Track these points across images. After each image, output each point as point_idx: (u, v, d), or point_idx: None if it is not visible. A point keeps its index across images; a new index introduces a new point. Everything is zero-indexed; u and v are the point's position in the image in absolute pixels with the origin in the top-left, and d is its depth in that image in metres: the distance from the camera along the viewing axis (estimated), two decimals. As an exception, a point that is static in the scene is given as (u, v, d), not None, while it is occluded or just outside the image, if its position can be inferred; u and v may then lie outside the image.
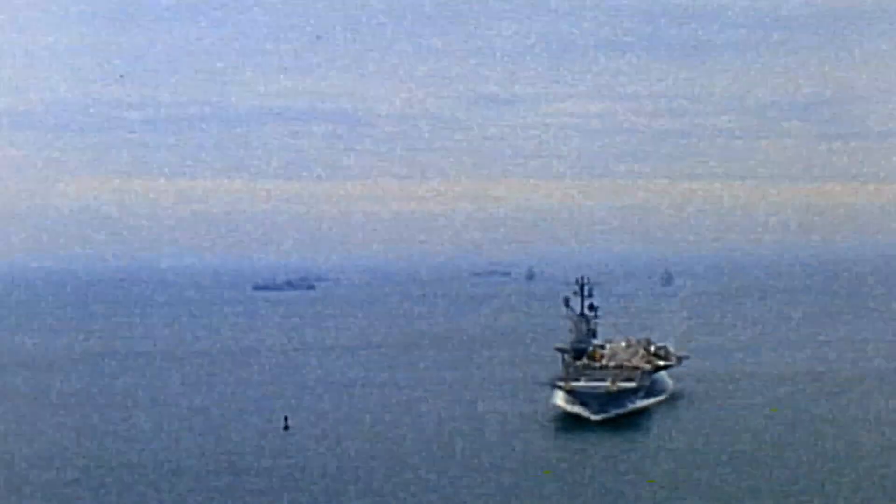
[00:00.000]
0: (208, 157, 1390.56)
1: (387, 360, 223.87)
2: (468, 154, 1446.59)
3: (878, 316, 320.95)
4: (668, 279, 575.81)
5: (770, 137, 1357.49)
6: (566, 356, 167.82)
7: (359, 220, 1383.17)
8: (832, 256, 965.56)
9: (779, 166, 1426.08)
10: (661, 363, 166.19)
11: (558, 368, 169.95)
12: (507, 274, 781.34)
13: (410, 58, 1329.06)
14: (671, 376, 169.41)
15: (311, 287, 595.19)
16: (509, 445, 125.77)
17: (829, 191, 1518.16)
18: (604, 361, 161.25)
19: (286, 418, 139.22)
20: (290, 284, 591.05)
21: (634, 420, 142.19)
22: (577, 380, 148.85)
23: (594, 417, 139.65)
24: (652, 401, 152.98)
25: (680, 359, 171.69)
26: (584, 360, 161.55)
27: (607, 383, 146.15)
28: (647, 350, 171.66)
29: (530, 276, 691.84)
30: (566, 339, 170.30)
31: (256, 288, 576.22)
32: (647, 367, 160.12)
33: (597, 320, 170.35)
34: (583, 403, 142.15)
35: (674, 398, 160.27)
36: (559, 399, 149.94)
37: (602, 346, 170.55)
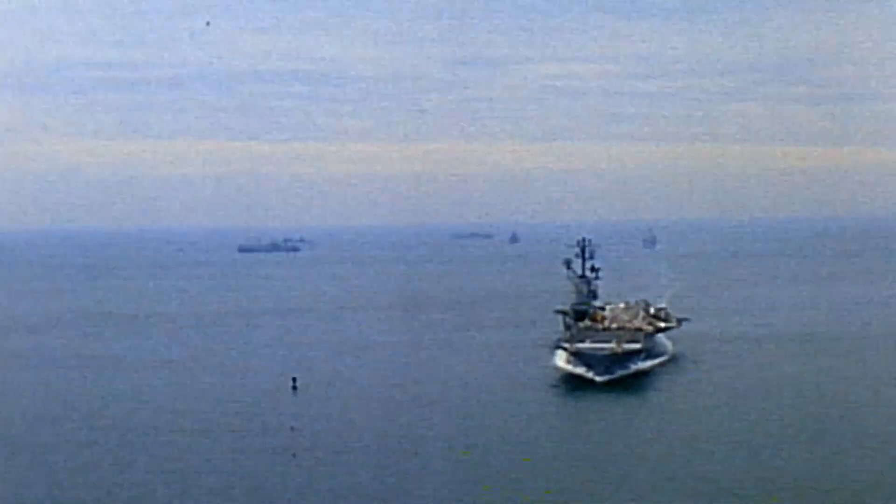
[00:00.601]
0: (187, 119, 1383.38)
1: (381, 322, 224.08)
2: (449, 116, 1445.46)
3: (864, 278, 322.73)
4: (651, 242, 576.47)
5: (756, 100, 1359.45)
6: (567, 318, 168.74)
7: (338, 181, 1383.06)
8: (820, 219, 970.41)
9: (766, 129, 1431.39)
10: (662, 325, 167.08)
11: (553, 330, 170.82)
12: (490, 237, 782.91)
13: (391, 18, 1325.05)
14: (668, 338, 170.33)
15: (295, 249, 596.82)
16: (518, 407, 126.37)
17: (816, 154, 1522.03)
18: (606, 323, 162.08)
19: (294, 379, 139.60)
20: (275, 246, 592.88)
21: (638, 381, 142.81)
22: (582, 341, 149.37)
23: (599, 379, 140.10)
24: (653, 362, 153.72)
25: (680, 321, 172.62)
26: (587, 322, 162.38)
27: (612, 345, 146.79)
28: (646, 312, 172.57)
29: (514, 240, 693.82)
30: (563, 301, 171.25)
31: (242, 250, 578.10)
32: (649, 328, 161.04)
33: (598, 282, 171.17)
34: (588, 365, 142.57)
35: (674, 360, 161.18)
36: (561, 360, 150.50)
37: (602, 308, 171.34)
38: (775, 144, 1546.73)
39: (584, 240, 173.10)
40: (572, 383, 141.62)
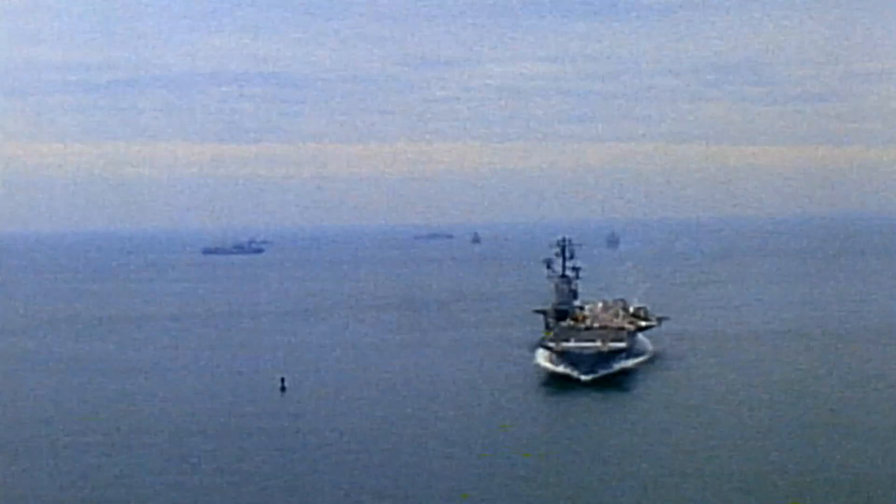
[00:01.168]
0: (147, 120, 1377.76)
1: (356, 323, 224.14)
2: (408, 117, 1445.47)
3: (831, 276, 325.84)
4: (614, 241, 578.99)
5: (715, 100, 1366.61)
6: (549, 317, 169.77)
7: (299, 183, 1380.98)
8: (782, 218, 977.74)
9: (726, 129, 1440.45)
10: (643, 324, 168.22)
11: (529, 329, 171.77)
12: (450, 237, 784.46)
13: (351, 19, 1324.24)
14: (646, 337, 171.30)
15: (259, 251, 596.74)
16: (510, 405, 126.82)
17: (777, 153, 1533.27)
18: (588, 322, 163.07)
19: (283, 380, 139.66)
20: (239, 248, 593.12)
21: (623, 380, 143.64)
22: (567, 340, 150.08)
23: (584, 378, 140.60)
24: (636, 361, 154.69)
25: (660, 319, 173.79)
26: (569, 322, 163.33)
27: (598, 344, 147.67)
28: (625, 311, 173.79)
29: (476, 240, 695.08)
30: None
31: (206, 252, 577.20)
32: (631, 327, 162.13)
33: (578, 281, 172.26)
34: (573, 364, 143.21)
35: (655, 359, 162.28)
36: (543, 359, 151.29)
37: (581, 308, 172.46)
38: (735, 144, 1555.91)
39: (564, 239, 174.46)
40: (557, 382, 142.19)
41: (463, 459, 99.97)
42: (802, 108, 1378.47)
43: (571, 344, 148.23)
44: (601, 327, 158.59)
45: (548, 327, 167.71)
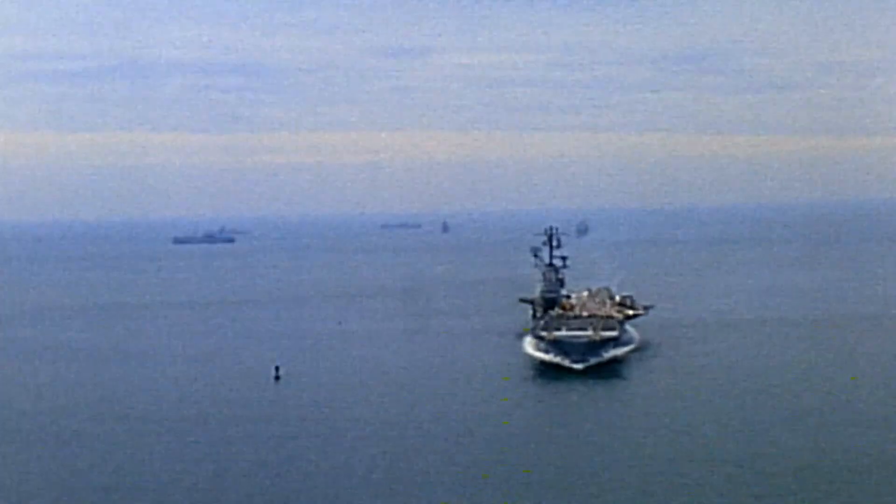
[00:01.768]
0: (117, 111, 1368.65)
1: (337, 311, 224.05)
2: (375, 105, 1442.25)
3: (790, 264, 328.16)
4: (583, 230, 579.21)
5: (678, 89, 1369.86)
6: (536, 306, 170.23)
7: (267, 171, 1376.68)
8: (748, 206, 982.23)
9: (688, 117, 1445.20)
10: (631, 312, 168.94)
11: (511, 318, 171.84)
12: (419, 226, 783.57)
13: (320, 8, 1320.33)
14: (631, 325, 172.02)
15: (230, 240, 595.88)
16: (506, 394, 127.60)
17: (736, 142, 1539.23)
18: (577, 311, 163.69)
19: (277, 368, 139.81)
20: (209, 237, 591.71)
21: (614, 368, 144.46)
22: (559, 329, 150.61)
23: (577, 366, 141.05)
24: (625, 349, 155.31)
25: (647, 308, 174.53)
26: (558, 310, 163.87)
27: (589, 332, 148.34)
28: (611, 299, 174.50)
29: (445, 229, 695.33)
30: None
31: (177, 241, 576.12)
32: (619, 316, 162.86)
33: (565, 270, 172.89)
34: (565, 353, 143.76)
35: (643, 347, 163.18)
36: (531, 348, 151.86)
37: (568, 297, 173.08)
38: (700, 132, 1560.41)
39: (551, 228, 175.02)
40: (549, 370, 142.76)
41: (472, 445, 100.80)
42: (768, 98, 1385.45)
43: (563, 333, 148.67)
44: (590, 316, 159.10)
45: (535, 316, 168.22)
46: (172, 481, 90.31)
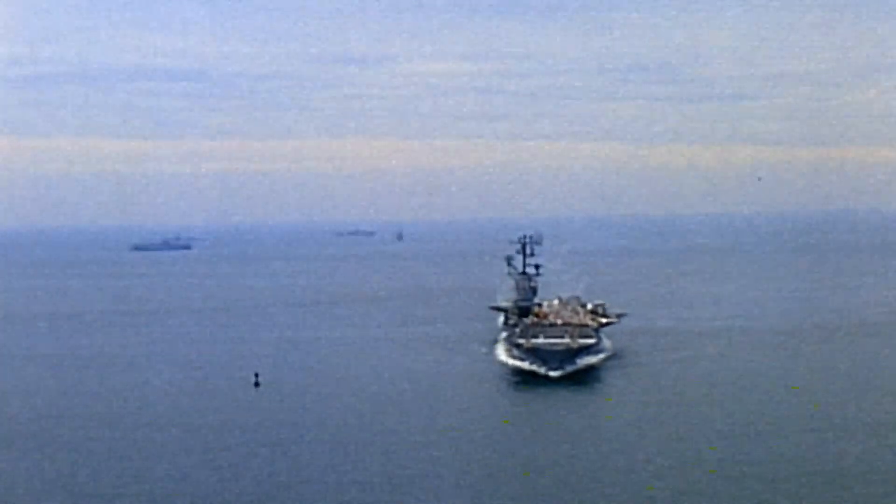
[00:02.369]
0: (66, 116, 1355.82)
1: (305, 319, 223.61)
2: (328, 113, 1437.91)
3: (751, 274, 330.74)
4: (537, 240, 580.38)
5: (623, 98, 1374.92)
6: (508, 314, 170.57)
7: (220, 179, 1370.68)
8: (700, 216, 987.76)
9: (638, 128, 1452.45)
10: (604, 320, 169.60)
11: (481, 327, 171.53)
12: (372, 234, 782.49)
13: (270, 16, 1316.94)
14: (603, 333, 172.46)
15: (187, 247, 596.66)
16: (480, 402, 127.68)
17: (688, 152, 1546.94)
18: (551, 319, 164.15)
19: (256, 375, 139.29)
20: (167, 244, 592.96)
21: (590, 376, 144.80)
22: (536, 337, 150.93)
23: (553, 374, 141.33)
24: (599, 357, 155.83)
25: (619, 316, 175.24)
26: (532, 318, 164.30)
27: (567, 340, 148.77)
28: (583, 307, 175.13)
29: (400, 237, 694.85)
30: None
31: (135, 248, 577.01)
32: (593, 324, 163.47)
33: (538, 278, 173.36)
34: (542, 360, 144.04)
35: (617, 354, 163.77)
36: (506, 355, 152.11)
37: (540, 305, 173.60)
38: (651, 143, 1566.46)
39: (525, 237, 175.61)
40: (525, 378, 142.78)
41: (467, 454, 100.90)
42: (718, 108, 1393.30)
43: (540, 340, 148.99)
44: (565, 324, 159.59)
45: (506, 323, 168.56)
46: (146, 492, 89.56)
